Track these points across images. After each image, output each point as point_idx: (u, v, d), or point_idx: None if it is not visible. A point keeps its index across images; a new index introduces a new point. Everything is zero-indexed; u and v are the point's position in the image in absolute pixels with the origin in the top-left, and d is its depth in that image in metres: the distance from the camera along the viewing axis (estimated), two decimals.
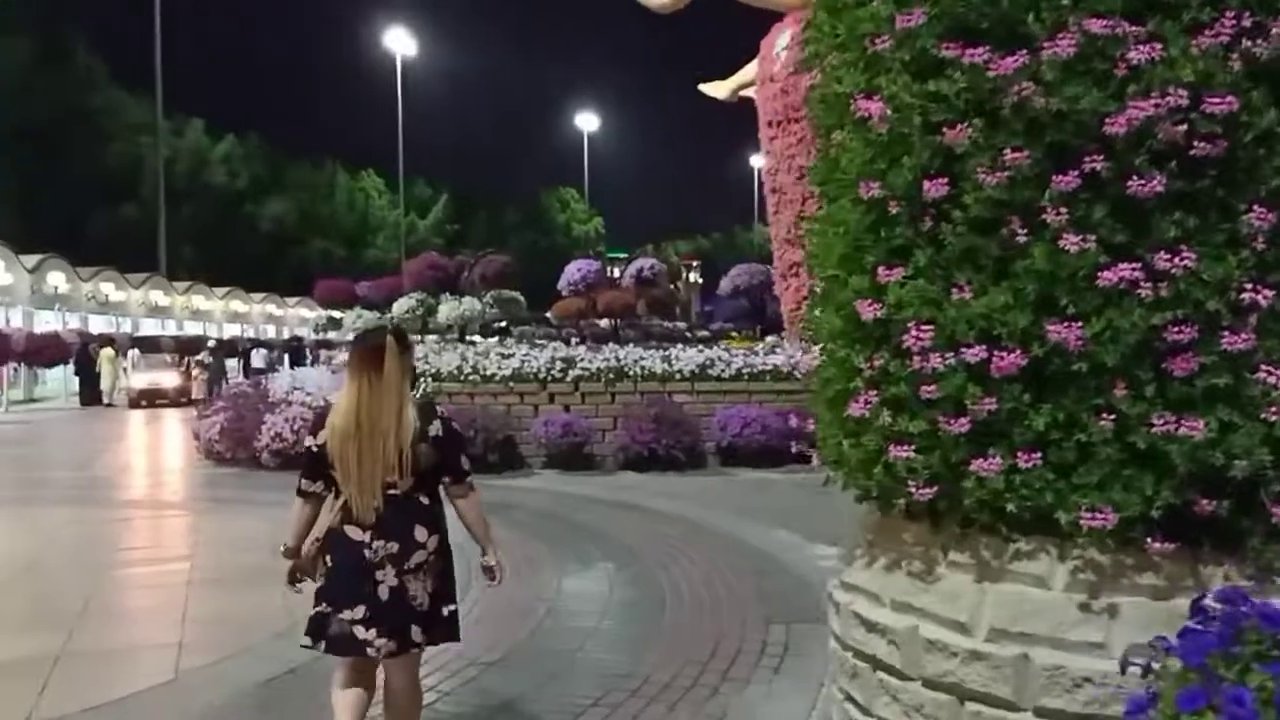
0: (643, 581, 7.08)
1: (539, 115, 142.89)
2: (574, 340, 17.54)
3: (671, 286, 38.11)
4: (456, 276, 25.83)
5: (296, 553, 3.54)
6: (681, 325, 41.67)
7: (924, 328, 3.07)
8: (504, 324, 32.63)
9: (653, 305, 27.63)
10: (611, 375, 12.69)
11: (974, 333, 3.03)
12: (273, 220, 63.42)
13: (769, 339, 16.48)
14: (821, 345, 3.66)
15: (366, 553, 3.38)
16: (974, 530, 3.18)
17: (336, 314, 33.26)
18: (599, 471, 12.21)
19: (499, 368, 12.83)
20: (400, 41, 51.32)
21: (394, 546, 3.38)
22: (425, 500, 3.48)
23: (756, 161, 73.10)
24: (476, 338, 25.97)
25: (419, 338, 36.59)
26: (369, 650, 3.40)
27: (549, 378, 12.74)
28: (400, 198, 54.64)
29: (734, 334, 39.90)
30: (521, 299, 27.09)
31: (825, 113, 3.61)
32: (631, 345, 15.02)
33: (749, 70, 21.04)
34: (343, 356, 26.07)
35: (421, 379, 13.26)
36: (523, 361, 12.89)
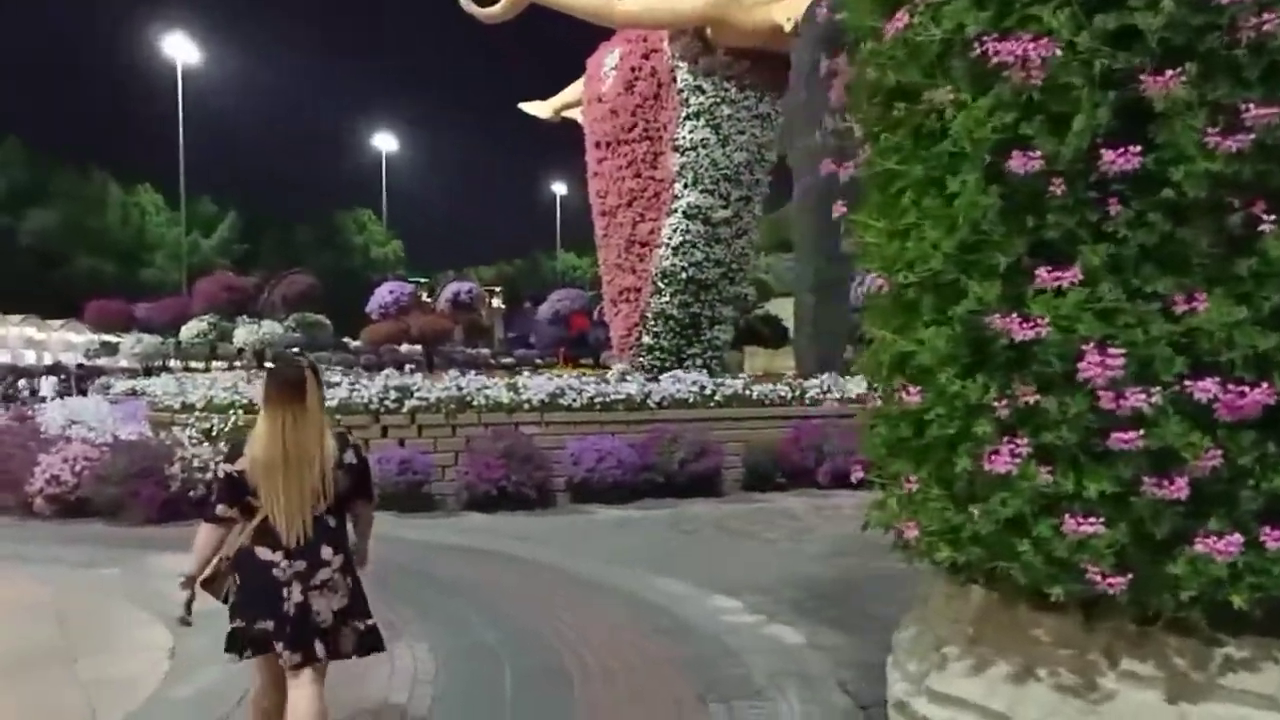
0: (536, 649, 5.93)
1: (334, 134, 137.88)
2: (405, 367, 16.01)
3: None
4: (254, 297, 23.65)
5: (193, 583, 3.57)
6: (485, 351, 40.34)
7: (1113, 352, 2.17)
8: (297, 350, 30.33)
9: (470, 331, 26.24)
10: (453, 406, 11.39)
11: (1183, 360, 2.17)
12: (34, 234, 57.38)
13: (618, 366, 15.53)
14: (896, 375, 2.72)
15: (275, 571, 3.49)
16: (1156, 629, 2.32)
17: (111, 338, 30.02)
18: (440, 512, 10.89)
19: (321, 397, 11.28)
20: (181, 48, 47.61)
21: (301, 565, 3.49)
22: (333, 522, 3.60)
23: (560, 188, 72.68)
24: (269, 364, 23.84)
25: (205, 365, 33.59)
26: (280, 655, 3.51)
27: (382, 409, 11.31)
28: (182, 214, 50.61)
29: (538, 360, 38.88)
30: (328, 322, 25.14)
31: (903, 67, 2.68)
32: (468, 373, 13.76)
33: (573, 90, 20.16)
34: (123, 385, 23.31)
35: (231, 410, 11.55)
36: (351, 391, 11.40)
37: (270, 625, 3.48)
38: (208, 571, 3.55)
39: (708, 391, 12.42)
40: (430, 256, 65.62)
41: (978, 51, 2.37)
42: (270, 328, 22.54)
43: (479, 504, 10.83)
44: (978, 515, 2.39)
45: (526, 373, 15.87)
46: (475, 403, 11.47)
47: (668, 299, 16.01)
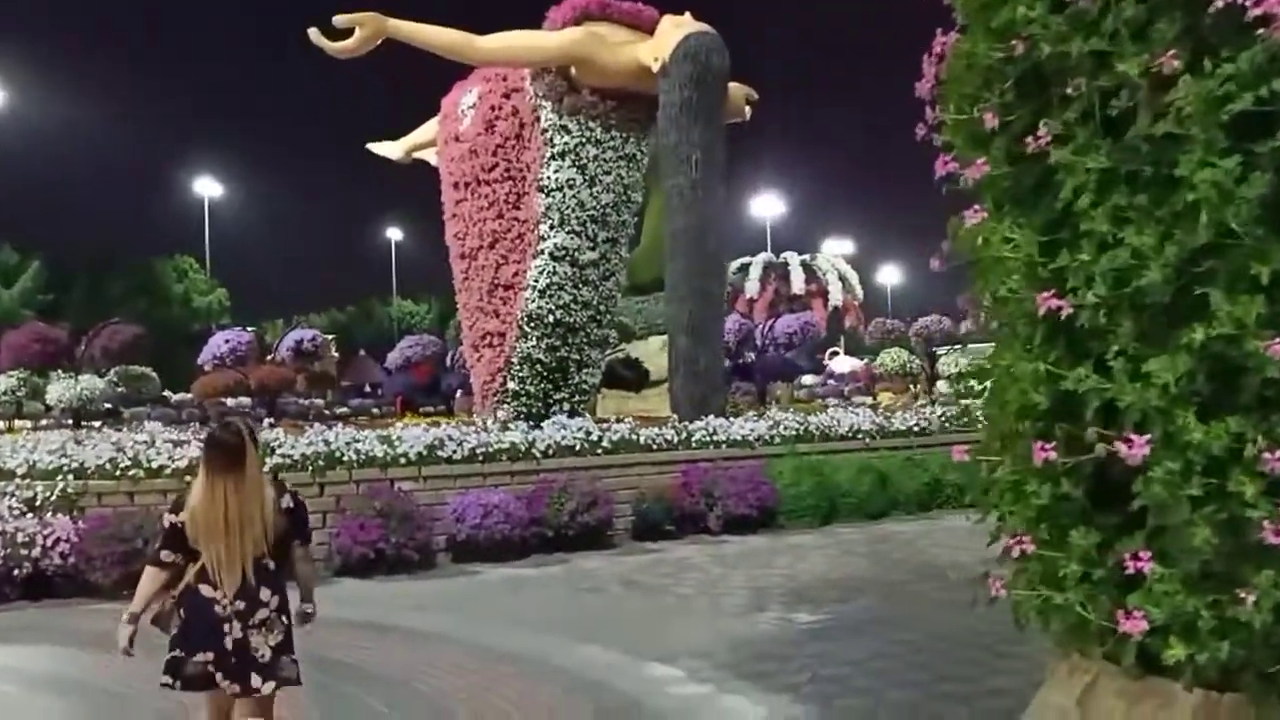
0: None
1: (152, 178, 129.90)
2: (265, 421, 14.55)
3: None
4: (70, 350, 21.40)
5: (135, 620, 3.77)
6: (319, 402, 38.36)
7: None
8: (109, 406, 27.69)
9: (314, 381, 24.60)
10: (321, 462, 10.25)
11: None
12: None
13: (500, 413, 14.56)
14: (1054, 421, 2.12)
15: (217, 609, 3.74)
16: None
17: None
18: None
19: (170, 459, 9.98)
20: None
21: (241, 604, 3.74)
22: (271, 565, 3.83)
23: (395, 233, 70.49)
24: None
25: (8, 425, 30.37)
26: (220, 684, 3.75)
27: None
28: None
29: (374, 410, 37.07)
30: (154, 375, 23.03)
31: (1068, 36, 2.12)
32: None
33: (426, 129, 19.23)
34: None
35: (59, 476, 10.05)
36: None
37: (211, 657, 3.72)
38: (155, 608, 3.79)
39: (594, 438, 11.70)
40: (257, 305, 62.33)
41: (1219, 6, 1.84)
42: (90, 382, 20.34)
43: (354, 569, 9.72)
44: (1251, 602, 1.82)
45: (396, 425, 14.71)
46: (345, 458, 10.37)
47: (534, 343, 15.26)
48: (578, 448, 11.53)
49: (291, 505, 3.89)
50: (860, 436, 13.26)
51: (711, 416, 12.82)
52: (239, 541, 3.68)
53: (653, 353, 24.76)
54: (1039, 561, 2.22)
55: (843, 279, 35.28)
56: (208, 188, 58.62)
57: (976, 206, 2.31)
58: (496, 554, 10.34)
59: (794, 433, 12.78)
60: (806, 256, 36.31)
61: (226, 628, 3.72)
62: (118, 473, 10.03)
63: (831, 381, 38.07)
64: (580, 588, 9.11)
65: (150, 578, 3.80)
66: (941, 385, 24.76)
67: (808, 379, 33.48)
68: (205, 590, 3.73)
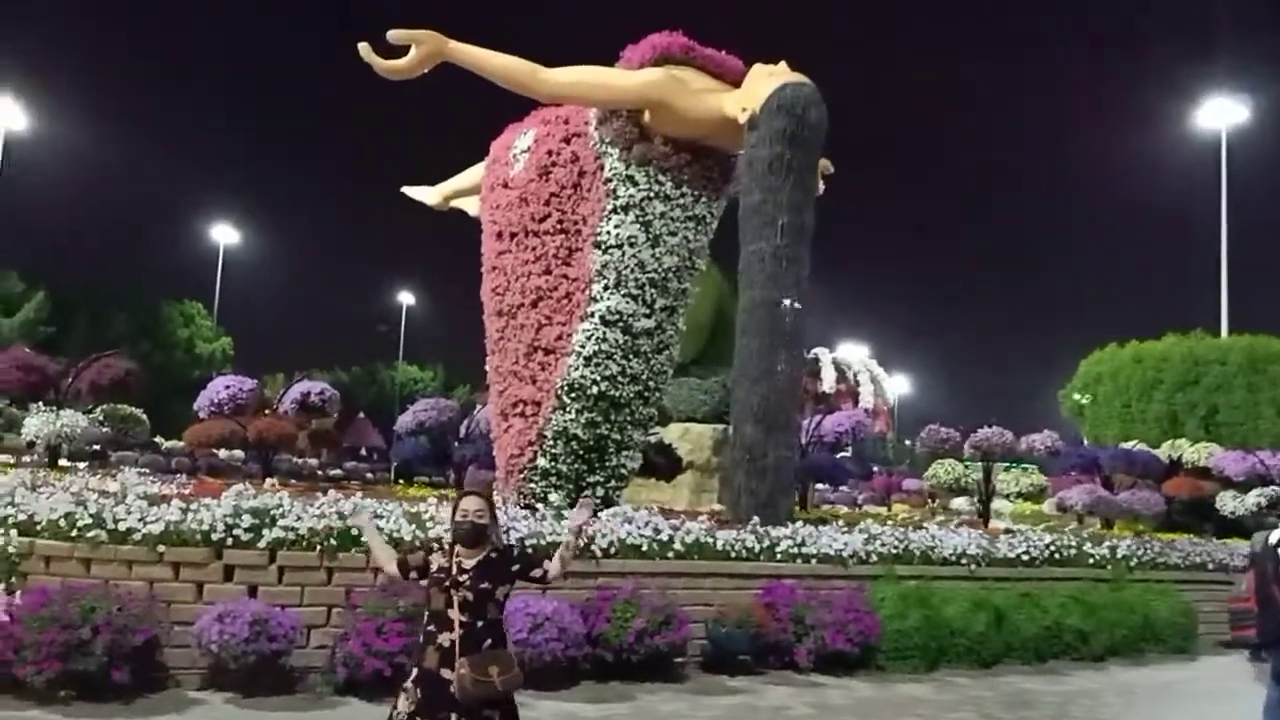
0: None
1: (167, 219, 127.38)
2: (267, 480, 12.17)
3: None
4: (56, 382, 18.98)
5: None
6: (313, 462, 35.99)
7: None
8: (96, 447, 25.14)
9: (317, 438, 22.16)
10: (334, 540, 7.87)
11: None
12: None
13: (553, 497, 12.14)
14: None
15: None
16: None
17: None
18: (304, 696, 7.24)
19: (142, 521, 7.59)
20: (6, 111, 42.06)
21: None
22: None
23: (406, 298, 68.37)
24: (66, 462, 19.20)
25: None
26: None
27: (228, 540, 7.68)
28: None
29: (368, 475, 34.55)
30: (144, 418, 20.58)
31: None
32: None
33: (470, 174, 17.16)
34: None
35: (1, 529, 7.65)
36: (185, 513, 7.72)
37: None
38: None
39: (664, 537, 9.32)
40: (259, 356, 59.95)
41: None
42: (71, 419, 17.92)
43: (362, 687, 7.26)
44: None
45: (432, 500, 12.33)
46: (364, 538, 7.98)
47: (573, 416, 12.89)
48: (644, 548, 9.15)
49: None
50: (965, 562, 10.89)
51: (799, 524, 10.45)
52: None
53: (673, 439, 22.53)
54: None
55: (874, 381, 33.15)
56: (225, 234, 56.74)
57: None
58: (542, 679, 7.89)
59: (893, 551, 10.40)
60: (837, 354, 34.33)
61: None
62: (74, 532, 7.64)
63: (844, 489, 35.51)
64: None
65: None
66: (1001, 504, 22.37)
67: (820, 485, 31.09)
68: None
